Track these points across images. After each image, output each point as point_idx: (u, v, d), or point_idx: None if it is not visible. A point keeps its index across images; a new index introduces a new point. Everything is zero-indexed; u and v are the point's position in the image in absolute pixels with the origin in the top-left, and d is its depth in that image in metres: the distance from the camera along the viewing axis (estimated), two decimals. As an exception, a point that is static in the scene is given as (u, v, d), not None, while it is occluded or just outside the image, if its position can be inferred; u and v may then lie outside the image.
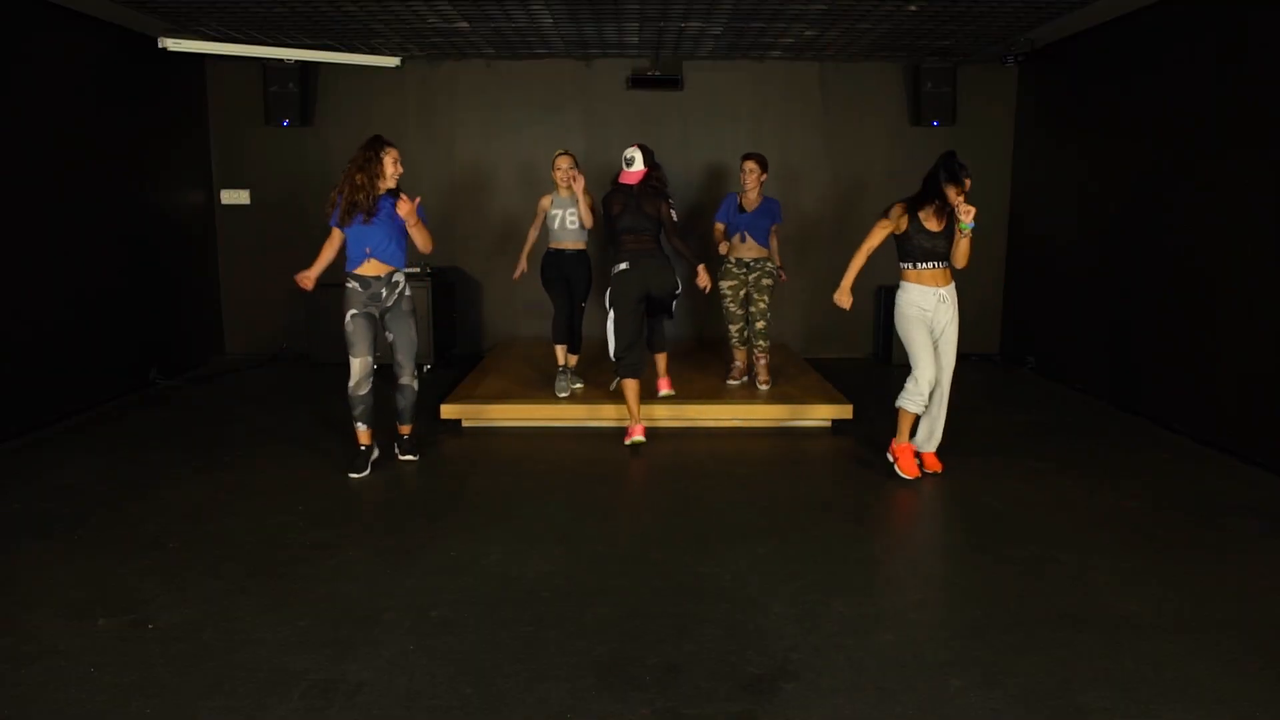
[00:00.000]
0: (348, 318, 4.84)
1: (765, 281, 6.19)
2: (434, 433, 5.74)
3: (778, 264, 6.28)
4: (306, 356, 7.87)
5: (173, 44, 6.74)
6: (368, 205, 4.70)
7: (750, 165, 6.16)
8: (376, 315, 4.90)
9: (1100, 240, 6.64)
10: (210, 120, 8.05)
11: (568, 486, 4.80)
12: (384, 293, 4.86)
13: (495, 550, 3.89)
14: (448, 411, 5.90)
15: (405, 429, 5.17)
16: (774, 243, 6.25)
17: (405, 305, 4.93)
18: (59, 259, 5.95)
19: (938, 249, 4.69)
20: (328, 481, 4.83)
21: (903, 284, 4.79)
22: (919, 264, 4.71)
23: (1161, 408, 5.92)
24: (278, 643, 3.09)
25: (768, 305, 6.23)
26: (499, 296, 8.32)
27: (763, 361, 6.31)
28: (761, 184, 6.17)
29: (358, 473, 4.90)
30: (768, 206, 6.19)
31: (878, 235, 4.77)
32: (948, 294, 4.76)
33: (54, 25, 5.91)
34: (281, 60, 7.56)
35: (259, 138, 8.02)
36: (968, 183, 4.57)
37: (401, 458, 5.17)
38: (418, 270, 7.54)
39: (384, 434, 5.26)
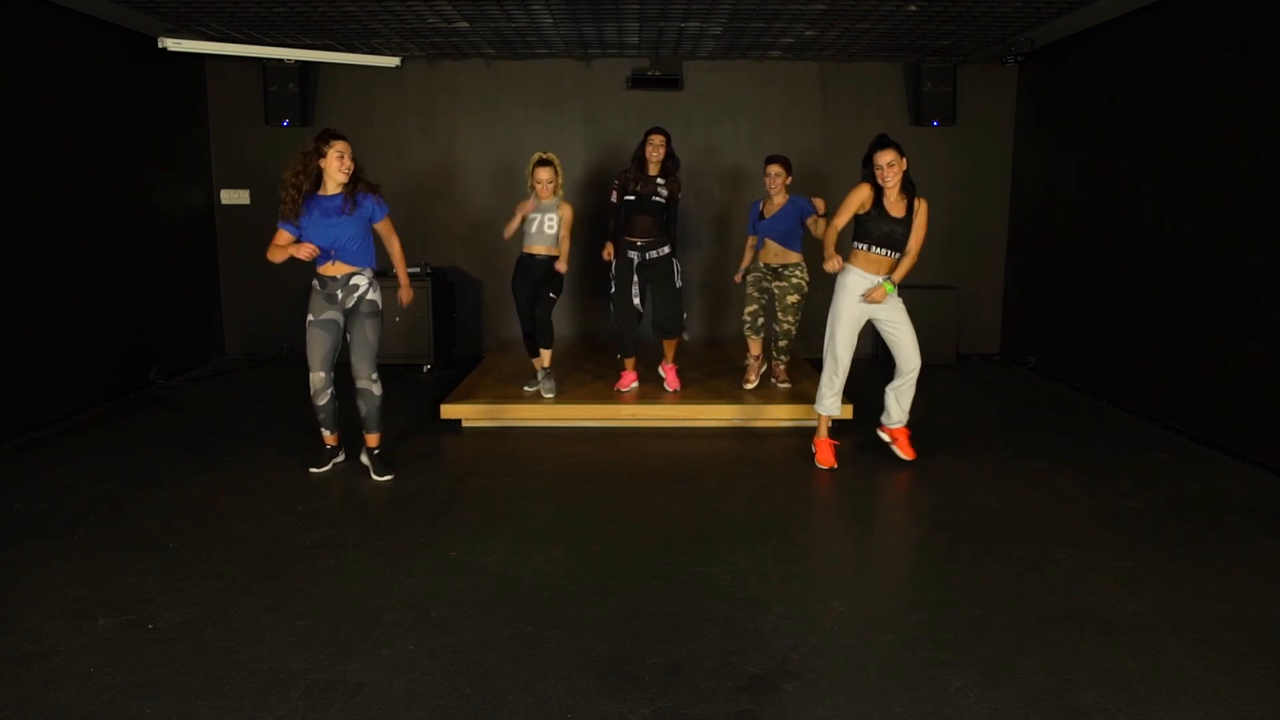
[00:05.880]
0: (306, 323, 4.73)
1: (791, 298, 6.02)
2: (434, 433, 5.74)
3: (821, 211, 5.89)
4: (306, 356, 7.86)
5: (173, 44, 6.74)
6: (297, 203, 4.56)
7: (775, 169, 6.00)
8: (339, 320, 4.73)
9: (1100, 240, 6.64)
10: (210, 120, 8.05)
11: (568, 486, 4.80)
12: (340, 294, 4.68)
13: (495, 550, 3.89)
14: (448, 411, 5.90)
15: (372, 439, 4.87)
16: (818, 226, 5.92)
17: (365, 308, 4.70)
18: (59, 259, 5.95)
19: (895, 236, 4.73)
20: (328, 481, 4.83)
21: (845, 268, 4.84)
22: (873, 248, 4.75)
23: (1161, 407, 5.92)
24: (278, 643, 3.09)
25: (794, 324, 6.11)
26: (499, 296, 8.31)
27: (781, 366, 6.34)
28: (786, 187, 6.05)
29: (317, 467, 4.90)
30: (793, 207, 5.99)
31: (849, 207, 4.77)
32: (881, 280, 4.80)
33: (54, 25, 5.92)
34: (281, 60, 7.56)
35: (259, 138, 8.01)
36: (891, 154, 4.65)
37: (376, 479, 4.79)
38: (418, 270, 7.54)
39: (398, 442, 5.26)
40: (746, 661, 2.98)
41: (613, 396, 6.07)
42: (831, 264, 4.73)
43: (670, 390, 6.14)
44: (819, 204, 5.97)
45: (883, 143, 4.73)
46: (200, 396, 6.78)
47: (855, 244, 4.85)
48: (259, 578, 3.60)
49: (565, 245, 5.85)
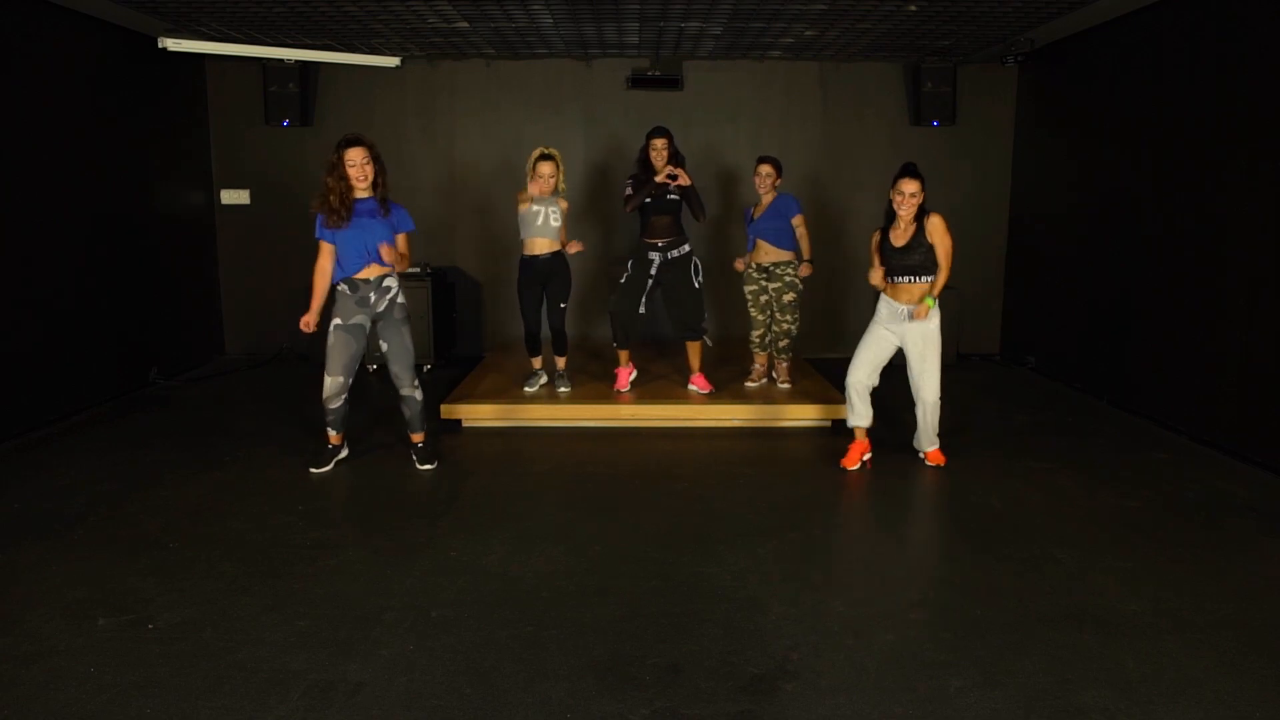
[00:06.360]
0: (331, 327, 4.73)
1: (788, 297, 6.05)
2: (434, 433, 5.73)
3: (806, 256, 6.01)
4: (307, 357, 7.87)
5: (173, 44, 6.74)
6: (343, 211, 4.58)
7: (765, 169, 6.02)
8: (366, 324, 4.77)
9: (1100, 240, 6.64)
10: (210, 120, 8.05)
11: (568, 486, 4.80)
12: (373, 297, 4.73)
13: (495, 550, 3.89)
14: (448, 411, 5.90)
15: (417, 437, 5.05)
16: (800, 234, 6.01)
17: (399, 313, 4.80)
18: (59, 259, 5.95)
19: (907, 264, 4.82)
20: (328, 481, 4.83)
21: (881, 296, 5.01)
22: (892, 277, 4.88)
23: (1161, 407, 5.92)
24: (278, 643, 3.09)
25: (793, 322, 6.12)
26: (499, 296, 8.31)
27: (784, 365, 6.34)
28: (776, 187, 6.07)
29: (319, 467, 4.93)
30: (781, 204, 6.03)
31: (873, 252, 4.98)
32: (904, 309, 4.86)
33: (54, 25, 5.92)
34: (281, 60, 7.56)
35: (259, 138, 8.02)
36: (916, 184, 4.73)
37: (420, 467, 5.00)
38: (418, 270, 7.55)
39: (399, 441, 5.26)
40: (746, 661, 2.98)
41: (613, 396, 6.06)
42: (874, 276, 4.90)
43: (704, 393, 6.09)
44: (804, 270, 6.06)
45: (911, 172, 4.77)
46: (200, 396, 6.78)
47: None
48: (259, 578, 3.60)
49: (565, 233, 5.95)
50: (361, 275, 4.72)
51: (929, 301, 4.80)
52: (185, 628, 3.19)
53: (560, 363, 6.19)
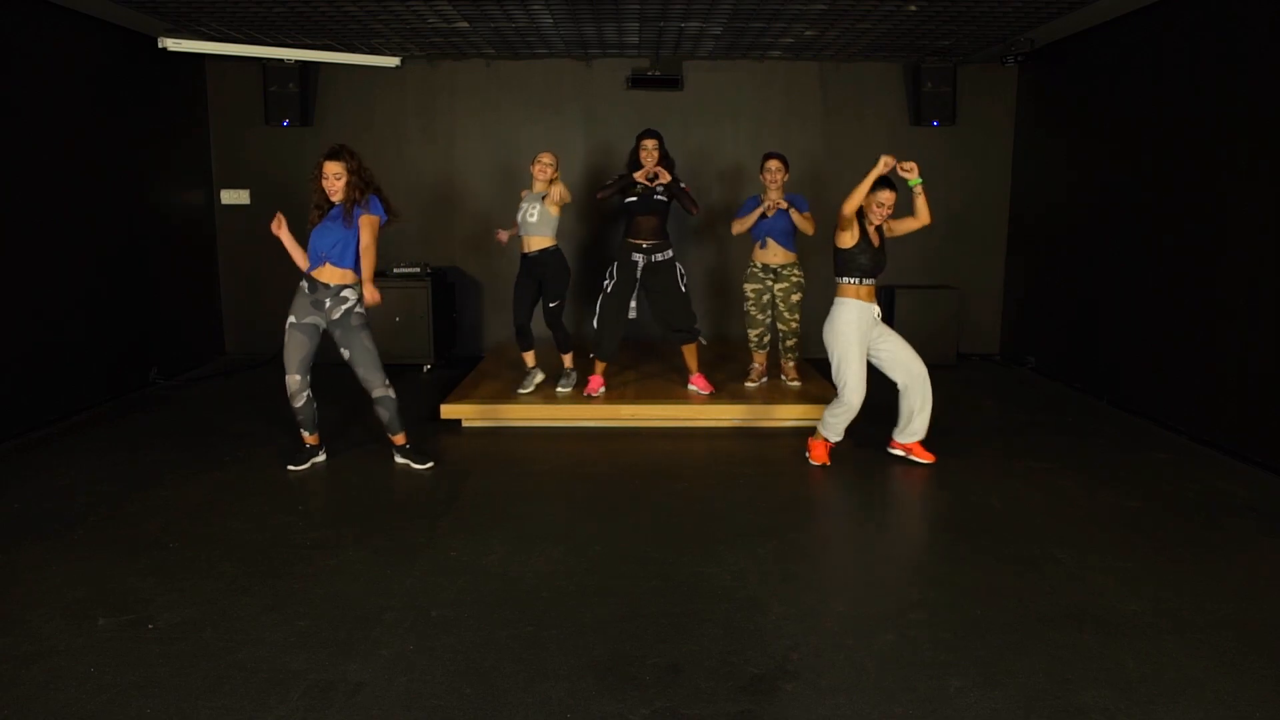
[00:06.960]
0: (287, 325, 4.81)
1: (795, 297, 6.13)
2: (434, 433, 5.74)
3: (806, 215, 5.97)
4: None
5: (173, 44, 6.75)
6: (315, 211, 4.77)
7: (774, 165, 6.02)
8: (321, 325, 4.81)
9: (1100, 240, 6.64)
10: (210, 120, 8.05)
11: (568, 486, 4.80)
12: (328, 303, 4.76)
13: (495, 550, 3.89)
14: (448, 411, 5.90)
15: (399, 439, 5.00)
16: (804, 223, 6.01)
17: (354, 321, 4.77)
18: (59, 259, 5.95)
19: (878, 264, 4.86)
20: (328, 481, 4.83)
21: (841, 300, 4.89)
22: (862, 279, 4.84)
23: (1161, 407, 5.92)
24: (278, 643, 3.09)
25: (799, 323, 6.20)
26: (499, 296, 8.31)
27: (792, 364, 6.38)
28: (784, 183, 6.09)
29: (295, 465, 4.96)
30: (790, 203, 6.04)
31: (858, 202, 4.79)
32: (877, 310, 4.93)
33: (54, 25, 5.92)
34: (281, 60, 7.56)
35: (259, 138, 8.02)
36: (894, 195, 4.79)
37: (414, 467, 4.99)
38: (418, 269, 7.56)
39: (382, 444, 5.26)
40: (746, 661, 2.98)
41: (612, 397, 6.06)
42: (885, 160, 4.73)
43: (705, 394, 6.07)
44: (807, 224, 5.98)
45: (889, 184, 4.78)
46: (200, 396, 6.78)
47: (845, 280, 4.86)
48: (259, 578, 3.60)
49: (557, 193, 5.82)
50: (321, 278, 4.76)
51: (913, 183, 4.83)
52: (185, 628, 3.19)
53: (566, 360, 6.21)
